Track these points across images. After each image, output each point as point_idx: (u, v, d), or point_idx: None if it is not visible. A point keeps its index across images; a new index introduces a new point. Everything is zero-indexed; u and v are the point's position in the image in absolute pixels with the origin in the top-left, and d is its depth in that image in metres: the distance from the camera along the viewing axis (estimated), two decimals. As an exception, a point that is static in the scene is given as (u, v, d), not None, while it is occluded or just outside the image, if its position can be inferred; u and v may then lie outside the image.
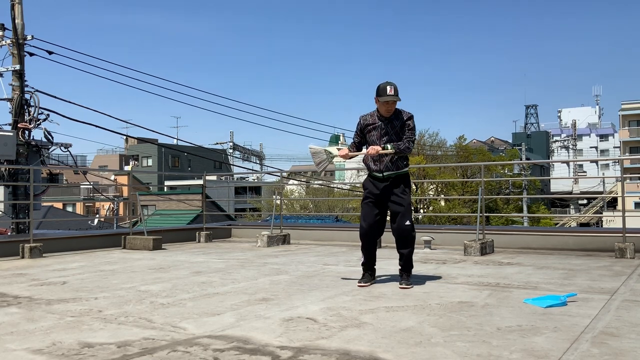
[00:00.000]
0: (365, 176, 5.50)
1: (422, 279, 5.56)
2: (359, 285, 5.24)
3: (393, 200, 5.20)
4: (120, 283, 5.58)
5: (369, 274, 5.42)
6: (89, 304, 4.50)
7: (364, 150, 5.27)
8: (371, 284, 5.33)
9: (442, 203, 40.59)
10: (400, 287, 5.11)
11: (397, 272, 5.89)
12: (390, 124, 5.18)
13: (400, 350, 3.09)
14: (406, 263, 5.30)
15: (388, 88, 5.06)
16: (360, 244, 5.46)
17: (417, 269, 6.26)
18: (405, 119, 5.19)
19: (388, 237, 9.55)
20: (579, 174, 77.21)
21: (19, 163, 12.91)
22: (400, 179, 5.25)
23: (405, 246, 5.27)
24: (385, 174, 5.22)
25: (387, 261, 7.04)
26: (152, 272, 6.34)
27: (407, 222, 5.16)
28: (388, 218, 5.43)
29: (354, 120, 5.66)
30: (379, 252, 8.16)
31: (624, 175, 8.48)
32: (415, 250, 8.01)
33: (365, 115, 5.34)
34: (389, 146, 5.08)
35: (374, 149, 5.08)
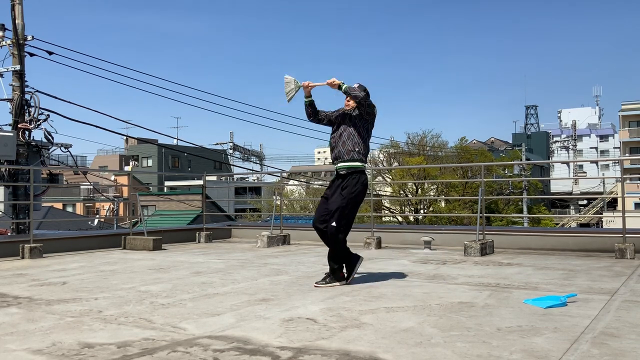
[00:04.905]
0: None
1: (422, 279, 5.56)
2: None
3: (330, 197, 5.28)
4: (120, 283, 5.58)
5: (325, 274, 5.39)
6: (89, 305, 4.50)
7: (322, 82, 5.44)
8: (331, 286, 5.19)
9: (443, 204, 40.57)
10: (315, 285, 5.19)
11: (397, 272, 5.91)
12: (348, 114, 5.41)
13: (400, 351, 3.09)
14: (329, 262, 5.32)
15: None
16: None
17: (418, 269, 6.26)
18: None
19: (388, 237, 9.58)
20: (579, 174, 77.17)
21: (19, 163, 12.91)
22: (351, 179, 5.25)
23: (328, 245, 5.32)
24: (338, 165, 5.31)
25: (387, 261, 7.04)
26: (152, 273, 6.34)
27: (333, 223, 5.16)
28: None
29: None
30: (380, 252, 8.19)
31: (624, 176, 8.48)
32: (415, 251, 8.09)
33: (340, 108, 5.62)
34: (344, 85, 5.28)
35: (332, 79, 5.31)
